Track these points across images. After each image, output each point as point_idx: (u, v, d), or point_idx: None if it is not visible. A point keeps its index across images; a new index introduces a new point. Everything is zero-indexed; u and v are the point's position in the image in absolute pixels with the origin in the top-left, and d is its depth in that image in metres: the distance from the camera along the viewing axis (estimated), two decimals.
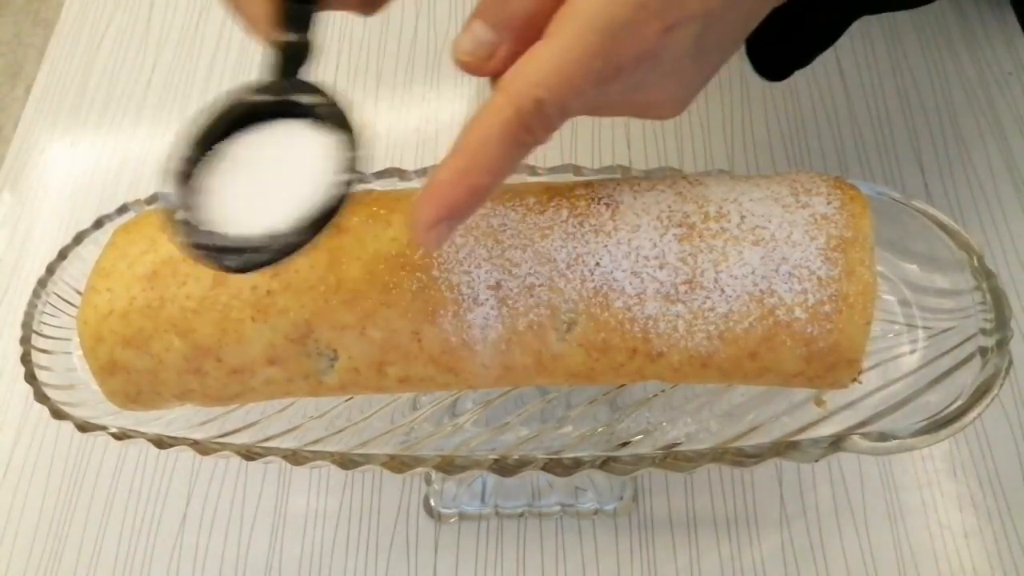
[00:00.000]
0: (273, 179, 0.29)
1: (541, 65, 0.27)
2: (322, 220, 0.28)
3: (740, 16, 0.32)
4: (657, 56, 0.29)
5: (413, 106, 0.65)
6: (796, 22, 0.37)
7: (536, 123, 0.28)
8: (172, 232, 0.28)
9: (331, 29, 0.70)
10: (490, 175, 0.28)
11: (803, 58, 0.40)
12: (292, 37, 0.30)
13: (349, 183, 0.28)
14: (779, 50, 0.40)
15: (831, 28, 0.39)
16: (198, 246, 0.28)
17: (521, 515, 0.48)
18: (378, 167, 0.44)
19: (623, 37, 0.28)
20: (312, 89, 0.30)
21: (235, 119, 0.30)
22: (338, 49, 0.69)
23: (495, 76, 0.30)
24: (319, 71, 0.30)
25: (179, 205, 0.29)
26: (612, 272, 0.33)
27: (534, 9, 0.28)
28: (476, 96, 0.64)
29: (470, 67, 0.30)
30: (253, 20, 0.31)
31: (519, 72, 0.28)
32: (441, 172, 0.28)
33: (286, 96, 0.30)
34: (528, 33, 0.28)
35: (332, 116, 0.29)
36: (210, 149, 0.30)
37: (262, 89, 0.30)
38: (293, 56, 0.30)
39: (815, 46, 0.40)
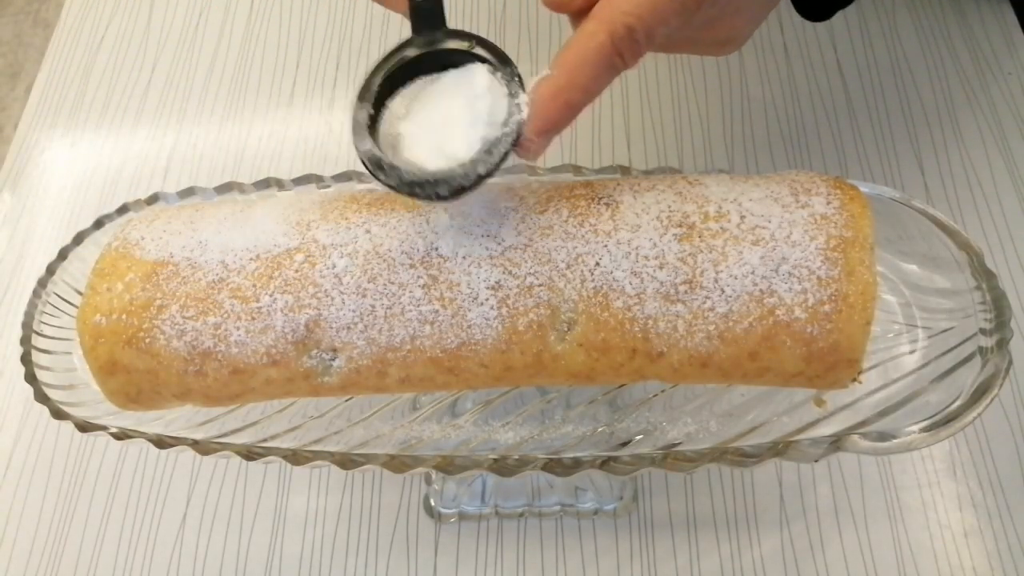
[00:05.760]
0: (448, 118, 0.33)
1: None
2: (509, 138, 0.32)
3: None
4: None
5: None
6: None
7: (626, 48, 0.31)
8: (382, 178, 0.32)
9: (330, 31, 0.70)
10: (583, 93, 0.31)
11: None
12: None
13: (519, 107, 0.32)
14: None
15: None
16: (409, 184, 0.32)
17: (521, 515, 0.48)
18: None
19: None
20: (456, 34, 0.34)
21: (397, 77, 0.34)
22: (337, 51, 0.69)
23: (578, 13, 0.33)
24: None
25: (378, 154, 0.32)
26: (612, 272, 0.33)
27: None
28: None
29: (556, 4, 0.33)
30: None
31: (611, 1, 0.31)
32: (539, 88, 0.31)
33: (435, 47, 0.34)
34: None
35: (480, 52, 0.33)
36: (383, 106, 0.34)
37: (413, 45, 0.34)
38: (429, 11, 0.34)
39: None
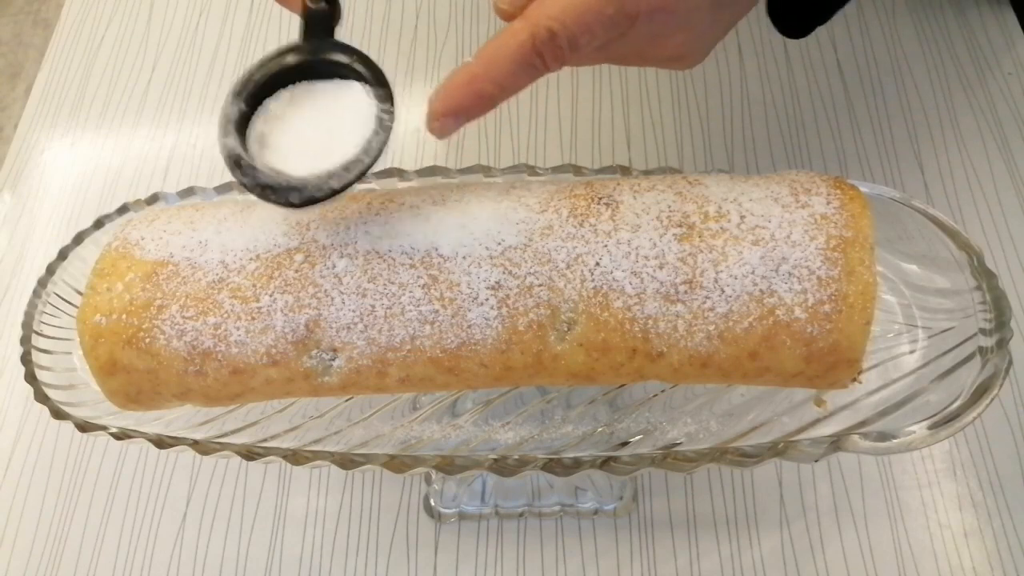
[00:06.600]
0: (318, 128, 0.33)
1: (560, 2, 0.31)
2: (368, 161, 0.32)
3: None
4: (671, 10, 0.33)
5: (413, 106, 0.65)
6: None
7: (546, 50, 0.32)
8: (239, 176, 0.32)
9: None
10: (496, 86, 0.32)
11: (824, 13, 0.41)
12: (319, 5, 0.34)
13: (386, 128, 0.33)
14: (800, 6, 0.41)
15: None
16: (262, 186, 0.32)
17: (521, 515, 0.48)
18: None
19: None
20: (342, 48, 0.34)
21: (277, 78, 0.34)
22: None
23: None
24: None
25: (239, 152, 0.33)
26: (612, 272, 0.33)
27: None
28: None
29: (506, 15, 0.34)
30: None
31: (541, 4, 0.32)
32: (456, 73, 0.32)
33: (319, 56, 0.34)
34: None
35: (361, 70, 0.34)
36: (258, 105, 0.34)
37: (298, 51, 0.34)
38: (321, 21, 0.34)
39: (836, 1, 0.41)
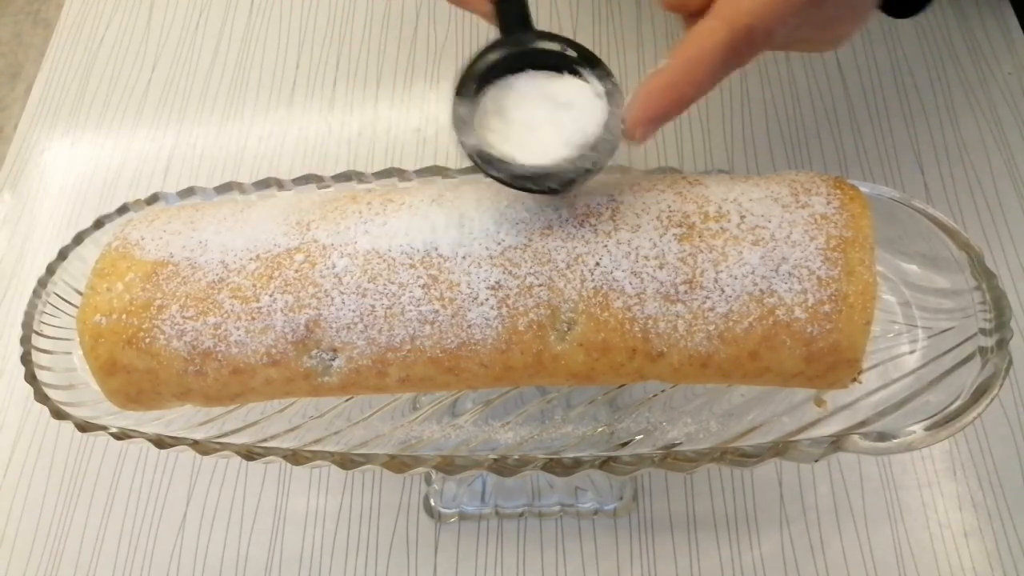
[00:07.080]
0: (540, 116, 0.34)
1: None
2: (612, 139, 0.33)
3: None
4: None
5: (413, 106, 0.65)
6: None
7: (744, 47, 0.31)
8: (490, 171, 0.33)
9: (330, 31, 0.70)
10: (696, 88, 0.32)
11: None
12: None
13: (618, 105, 0.33)
14: None
15: None
16: (519, 177, 0.32)
17: (521, 515, 0.48)
18: (377, 167, 0.44)
19: None
20: (546, 36, 0.35)
21: (487, 75, 0.34)
22: (337, 51, 0.69)
23: (693, 14, 0.33)
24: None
25: (485, 149, 0.33)
26: (612, 272, 0.33)
27: None
28: None
29: (674, 5, 0.33)
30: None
31: (733, 0, 0.31)
32: (653, 78, 0.32)
33: (526, 47, 0.35)
34: None
35: (572, 54, 0.34)
36: (472, 102, 0.34)
37: (503, 45, 0.35)
38: (517, 14, 0.35)
39: None
